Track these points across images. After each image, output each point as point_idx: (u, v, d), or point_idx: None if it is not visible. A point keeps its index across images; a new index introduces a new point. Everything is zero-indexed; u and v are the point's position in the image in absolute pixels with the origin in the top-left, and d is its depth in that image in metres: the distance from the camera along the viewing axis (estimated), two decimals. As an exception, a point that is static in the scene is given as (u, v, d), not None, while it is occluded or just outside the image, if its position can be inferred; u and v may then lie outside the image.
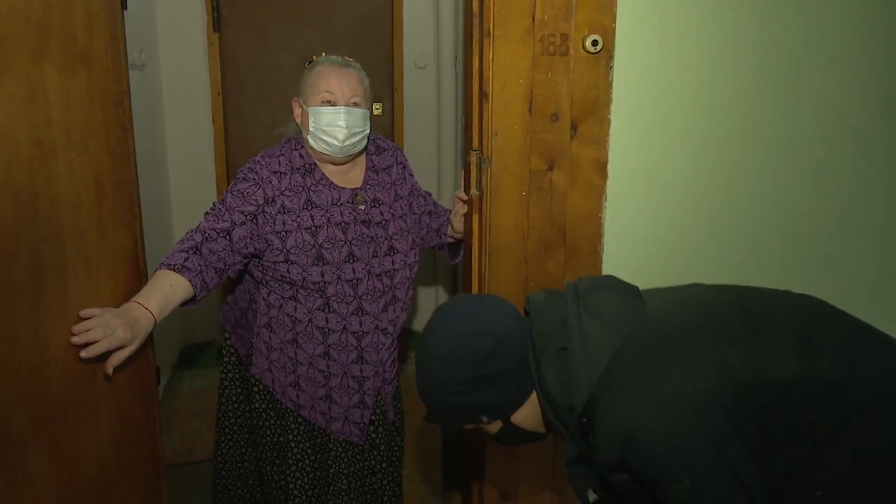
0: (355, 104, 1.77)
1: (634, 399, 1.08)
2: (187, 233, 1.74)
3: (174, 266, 1.61)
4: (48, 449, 1.27)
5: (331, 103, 1.75)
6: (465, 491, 1.99)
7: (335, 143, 1.75)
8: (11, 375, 1.18)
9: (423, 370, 1.28)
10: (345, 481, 1.91)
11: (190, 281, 1.61)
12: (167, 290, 1.56)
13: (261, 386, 1.90)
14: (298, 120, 1.83)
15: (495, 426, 1.30)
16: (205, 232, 1.71)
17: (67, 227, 1.32)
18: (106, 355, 1.38)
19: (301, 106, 1.81)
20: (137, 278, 1.54)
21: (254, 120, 3.54)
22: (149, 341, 1.56)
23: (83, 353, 1.33)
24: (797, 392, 1.06)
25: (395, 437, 2.06)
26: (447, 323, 1.27)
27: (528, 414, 1.28)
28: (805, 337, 1.11)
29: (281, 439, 1.90)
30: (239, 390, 2.01)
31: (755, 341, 1.10)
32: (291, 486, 1.90)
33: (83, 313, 1.35)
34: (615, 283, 1.26)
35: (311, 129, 1.76)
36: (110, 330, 1.37)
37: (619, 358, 1.13)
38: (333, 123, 1.74)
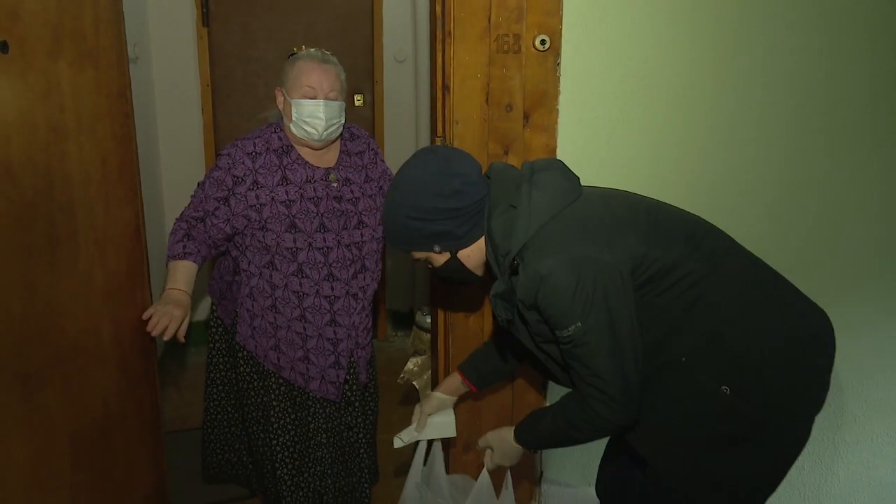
0: (333, 97, 1.96)
1: (555, 253, 1.34)
2: (175, 222, 2.06)
3: (178, 256, 1.99)
4: (62, 387, 1.47)
5: (311, 97, 1.94)
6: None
7: (314, 132, 1.95)
8: (31, 322, 1.38)
9: (396, 193, 1.50)
10: (323, 436, 2.12)
11: (194, 261, 2.01)
12: (184, 272, 1.98)
13: (245, 352, 2.10)
14: (281, 108, 2.02)
15: (442, 258, 1.52)
16: (188, 220, 2.03)
17: (78, 201, 1.51)
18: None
19: (284, 95, 2.00)
20: (139, 248, 1.74)
21: (240, 110, 3.72)
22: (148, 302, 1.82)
23: (165, 337, 1.81)
24: (673, 274, 1.38)
25: (368, 398, 2.26)
26: (426, 160, 1.49)
27: (472, 254, 1.51)
28: (689, 237, 1.43)
29: (264, 399, 2.10)
30: (225, 358, 2.21)
31: (653, 234, 1.40)
32: (275, 441, 2.10)
33: (145, 316, 1.80)
34: (563, 167, 1.50)
35: (293, 118, 1.95)
36: (169, 314, 1.83)
37: (553, 222, 1.38)
38: (314, 115, 1.93)
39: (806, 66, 1.97)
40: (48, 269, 1.43)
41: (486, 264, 1.54)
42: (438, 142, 1.88)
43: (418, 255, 1.55)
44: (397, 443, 1.86)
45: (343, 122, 2.03)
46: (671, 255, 1.39)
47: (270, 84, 3.67)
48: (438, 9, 1.81)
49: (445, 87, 1.83)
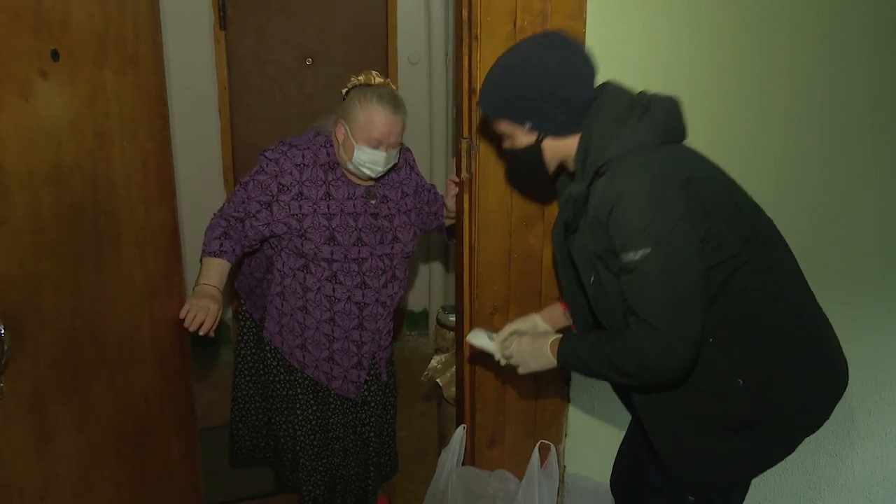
0: (395, 145, 1.99)
1: (641, 176, 1.33)
2: (214, 217, 2.08)
3: (213, 253, 2.04)
4: (107, 383, 1.52)
5: (376, 146, 1.95)
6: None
7: (372, 174, 2.00)
8: (80, 320, 1.43)
9: (516, 59, 1.47)
10: (341, 430, 2.21)
11: (228, 260, 2.05)
12: (218, 269, 2.03)
13: (272, 347, 2.16)
14: (341, 140, 1.99)
15: (526, 139, 1.50)
16: (227, 219, 2.06)
17: (121, 203, 1.56)
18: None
19: (347, 133, 1.97)
20: (176, 247, 1.78)
21: (257, 113, 3.76)
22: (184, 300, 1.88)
23: (201, 332, 1.88)
24: (727, 257, 1.38)
25: (388, 396, 2.33)
26: (558, 44, 1.47)
27: (556, 147, 1.50)
28: (755, 236, 1.43)
29: (290, 392, 2.17)
30: (253, 350, 2.27)
31: (732, 217, 1.41)
32: (299, 432, 2.18)
33: (182, 313, 1.84)
34: (678, 107, 1.47)
35: (353, 158, 1.96)
36: (206, 309, 1.89)
37: (650, 148, 1.38)
38: (375, 162, 1.96)
39: (802, 68, 2.02)
40: (95, 270, 1.47)
41: (560, 166, 1.55)
42: (465, 144, 1.93)
43: (503, 127, 1.53)
44: (470, 338, 1.77)
45: (397, 160, 2.07)
46: (735, 243, 1.38)
47: (286, 87, 3.73)
48: (465, 13, 1.85)
49: (472, 90, 1.87)
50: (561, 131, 1.48)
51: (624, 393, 1.67)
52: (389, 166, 2.02)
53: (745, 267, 1.39)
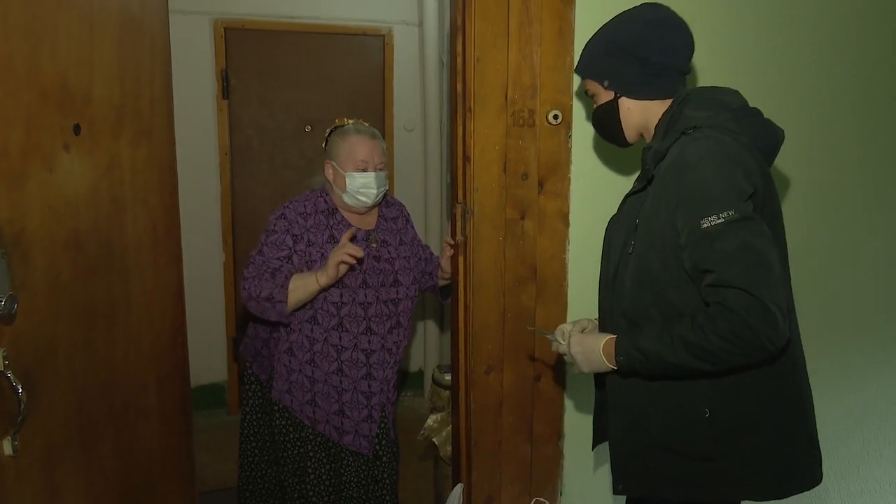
0: (381, 168, 2.18)
1: (725, 138, 1.31)
2: (251, 284, 2.09)
3: (287, 279, 2.06)
4: (114, 441, 1.56)
5: (365, 170, 2.14)
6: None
7: (367, 201, 2.16)
8: (91, 378, 1.48)
9: (613, 18, 1.53)
10: (355, 489, 2.22)
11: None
12: (305, 274, 2.09)
13: (280, 405, 2.21)
14: (331, 179, 2.20)
15: (605, 97, 1.54)
16: (259, 276, 2.08)
17: (132, 266, 1.63)
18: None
19: (334, 168, 2.18)
20: (181, 309, 1.85)
21: (257, 177, 3.88)
22: (187, 369, 1.90)
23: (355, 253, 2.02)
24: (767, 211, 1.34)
25: (395, 450, 2.36)
26: (657, 8, 1.51)
27: (632, 110, 1.53)
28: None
29: (301, 451, 2.21)
30: (259, 414, 2.31)
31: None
32: (311, 492, 2.19)
33: (340, 266, 2.01)
34: (777, 139, 1.45)
35: (347, 189, 2.14)
36: (339, 253, 2.02)
37: (740, 138, 1.34)
38: (367, 186, 2.14)
39: (792, 76, 2.10)
40: (106, 329, 1.54)
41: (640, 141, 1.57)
42: (459, 208, 2.02)
43: (590, 86, 1.58)
44: (539, 332, 1.77)
45: (387, 187, 2.22)
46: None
47: (287, 152, 3.85)
48: (459, 87, 1.97)
49: (466, 158, 1.97)
50: (636, 92, 1.50)
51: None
52: (383, 189, 2.18)
53: None
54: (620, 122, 1.55)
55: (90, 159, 1.48)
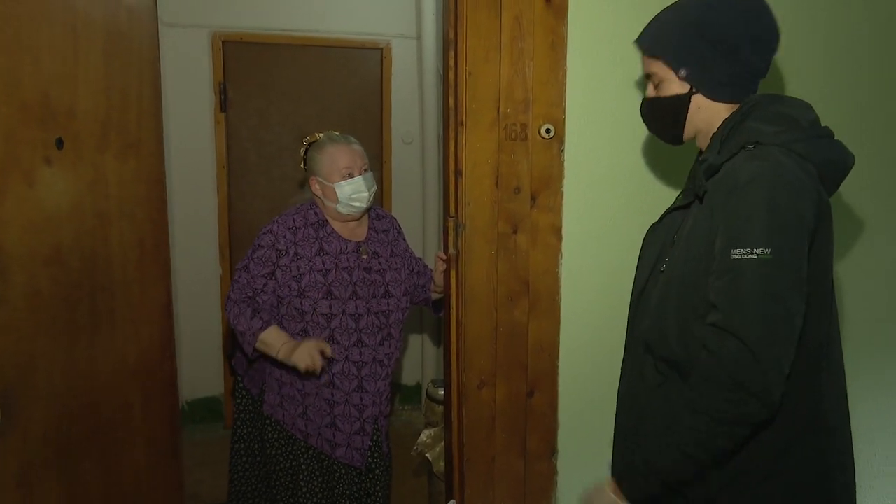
0: (366, 169, 2.20)
1: (785, 162, 1.15)
2: (232, 306, 2.10)
3: (261, 329, 2.08)
4: (99, 460, 1.54)
5: (351, 176, 2.15)
6: (447, 517, 2.23)
7: (363, 205, 2.17)
8: (73, 397, 1.46)
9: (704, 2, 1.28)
10: (347, 502, 2.19)
11: (275, 324, 2.12)
12: (276, 332, 2.10)
13: (272, 419, 2.19)
14: (320, 194, 2.20)
15: (675, 88, 1.32)
16: (245, 300, 2.10)
17: (117, 281, 1.62)
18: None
19: (320, 183, 2.19)
20: (170, 325, 1.83)
21: (254, 190, 3.87)
22: (175, 385, 1.88)
23: (326, 355, 2.04)
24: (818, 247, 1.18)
25: (387, 464, 2.33)
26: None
27: (702, 108, 1.32)
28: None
29: (293, 464, 2.18)
30: (250, 429, 2.29)
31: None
32: None
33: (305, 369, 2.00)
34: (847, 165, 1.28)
35: (339, 199, 2.14)
36: (306, 350, 2.02)
37: (806, 163, 1.17)
38: (358, 191, 2.15)
39: (793, 78, 2.07)
40: (89, 346, 1.52)
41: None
42: (451, 222, 2.00)
43: (655, 68, 1.35)
44: None
45: (376, 186, 2.24)
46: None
47: (284, 165, 3.84)
48: (451, 101, 1.95)
49: (458, 172, 1.95)
50: (719, 93, 1.30)
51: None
52: (374, 189, 2.19)
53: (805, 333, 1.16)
54: (685, 118, 1.34)
55: (73, 174, 1.46)
